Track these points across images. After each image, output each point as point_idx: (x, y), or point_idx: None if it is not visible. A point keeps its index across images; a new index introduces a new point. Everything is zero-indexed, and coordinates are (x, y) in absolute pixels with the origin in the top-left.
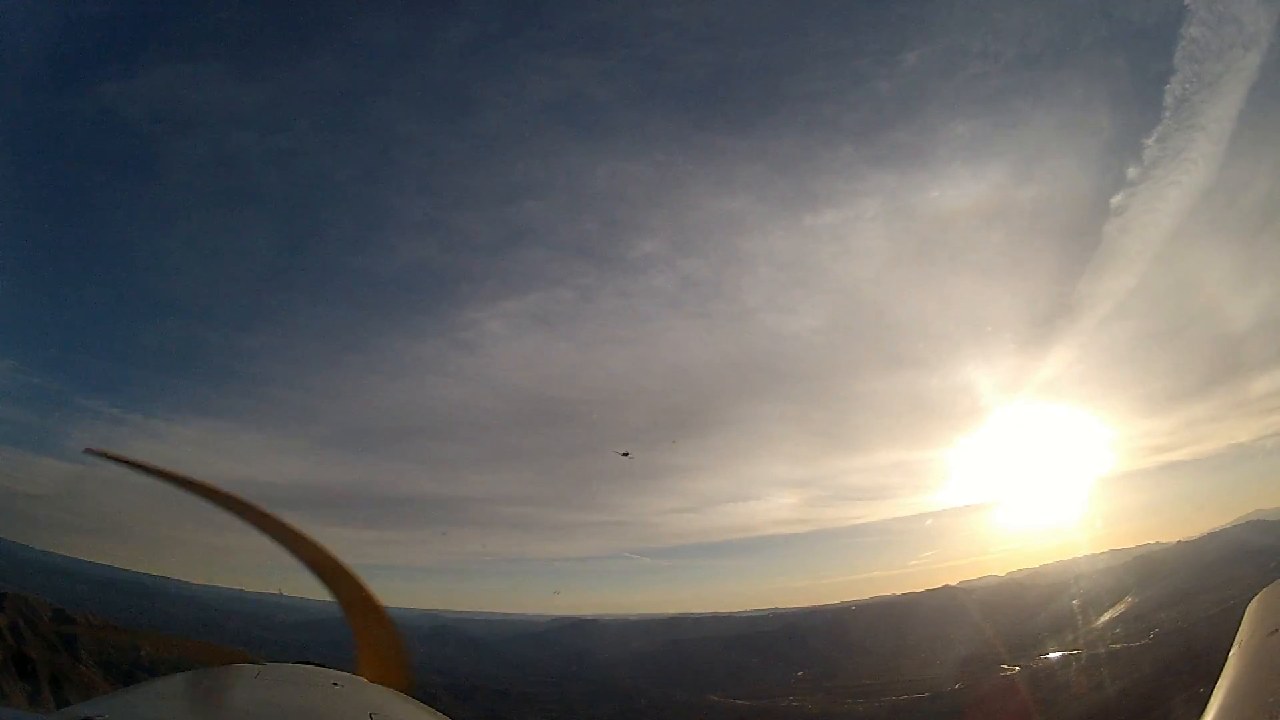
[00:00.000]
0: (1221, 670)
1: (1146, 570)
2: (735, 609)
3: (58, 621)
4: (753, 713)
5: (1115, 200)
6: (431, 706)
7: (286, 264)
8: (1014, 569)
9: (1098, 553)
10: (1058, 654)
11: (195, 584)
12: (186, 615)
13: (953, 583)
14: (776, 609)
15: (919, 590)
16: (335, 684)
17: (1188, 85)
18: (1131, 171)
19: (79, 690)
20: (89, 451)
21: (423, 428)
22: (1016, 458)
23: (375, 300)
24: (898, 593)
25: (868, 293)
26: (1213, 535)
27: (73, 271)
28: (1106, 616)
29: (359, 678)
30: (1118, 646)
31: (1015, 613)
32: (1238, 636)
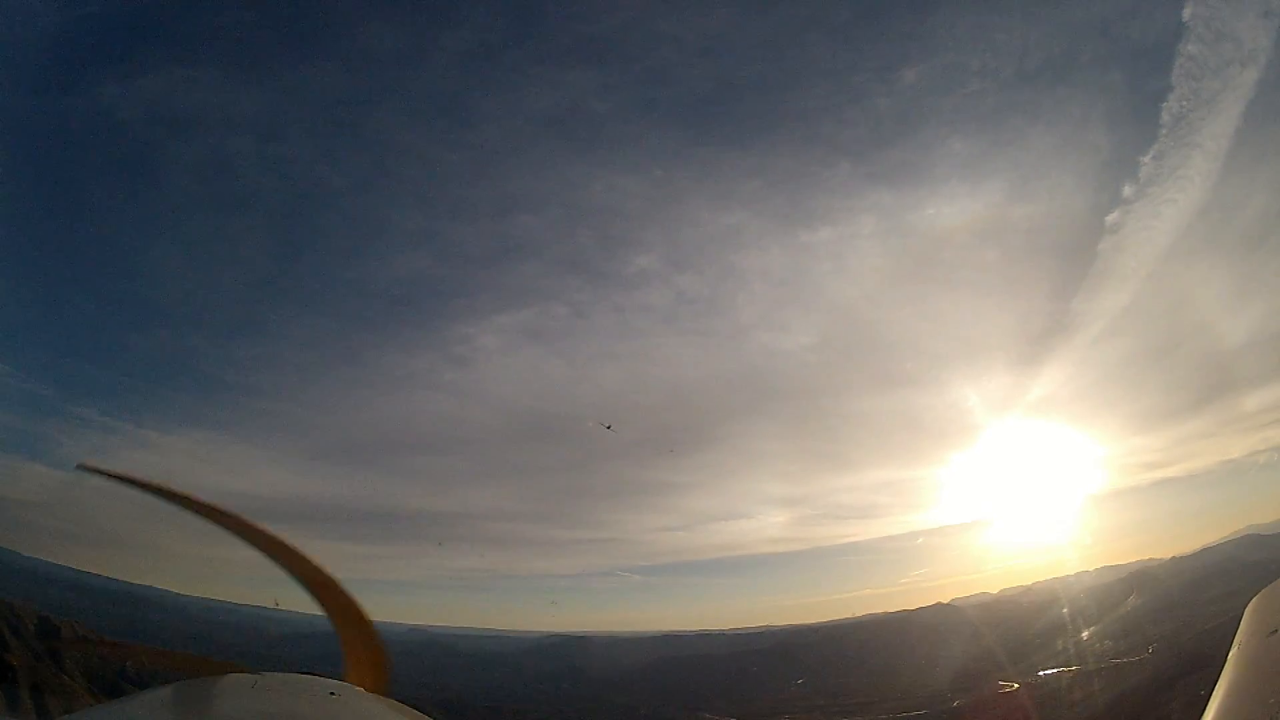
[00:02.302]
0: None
1: (1141, 586)
2: (727, 627)
3: (43, 629)
4: None
5: (1110, 218)
6: None
7: (279, 273)
8: (1007, 586)
9: (1091, 569)
10: (1055, 669)
11: (186, 595)
12: (176, 626)
13: (945, 600)
14: (768, 627)
15: (912, 608)
16: (332, 693)
17: (1185, 103)
18: (1127, 189)
19: (61, 699)
20: (81, 467)
21: (414, 442)
22: (1009, 476)
23: (368, 312)
24: (890, 610)
25: (862, 310)
26: (1206, 550)
27: (66, 276)
28: (1103, 631)
29: (356, 687)
30: (1116, 660)
31: (1010, 629)
32: (1237, 637)
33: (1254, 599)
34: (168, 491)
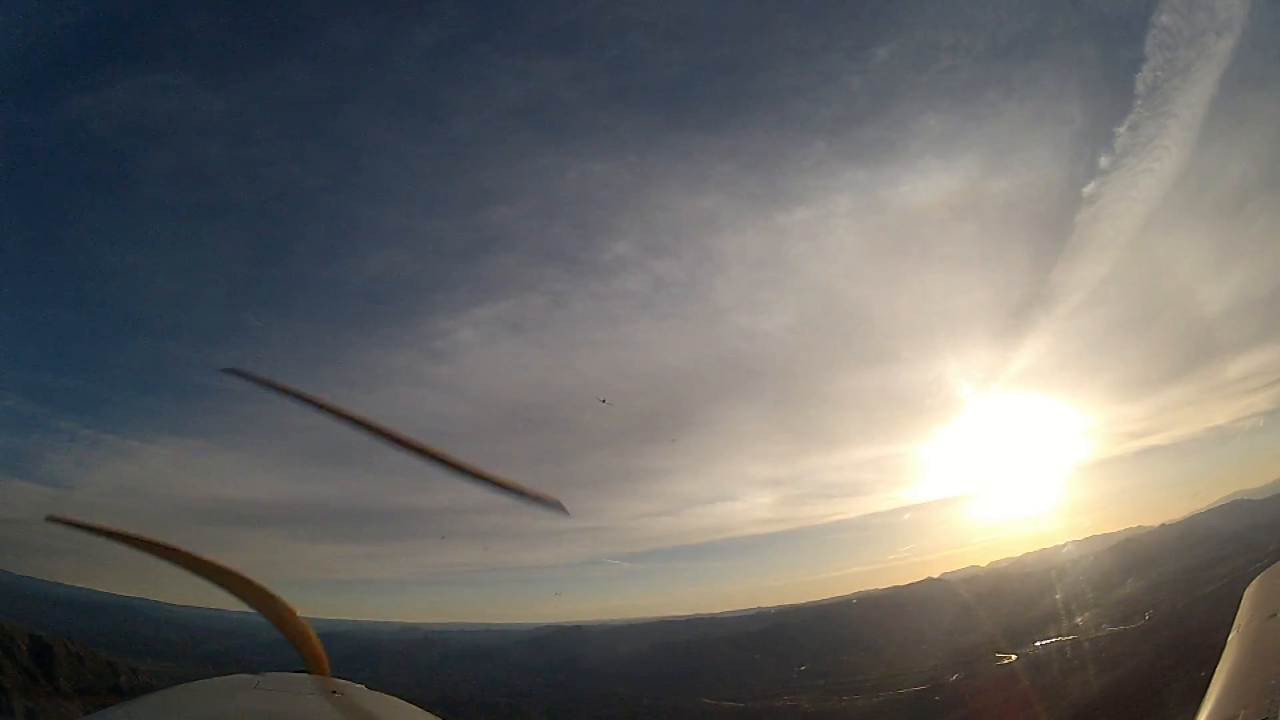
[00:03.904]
0: (1221, 654)
1: (1132, 554)
2: (718, 610)
3: (35, 648)
4: (749, 714)
5: (1087, 189)
6: None
7: (257, 276)
8: (996, 559)
9: (1080, 539)
10: (1053, 640)
11: (176, 605)
12: (168, 636)
13: (935, 575)
14: (760, 608)
15: (902, 584)
16: (335, 692)
17: (1159, 72)
18: (1103, 160)
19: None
20: (51, 519)
21: None
22: (993, 449)
23: (346, 311)
24: (880, 587)
25: (840, 289)
26: (1196, 517)
27: (43, 289)
28: (1096, 600)
29: (359, 685)
30: (1114, 629)
31: (1001, 602)
32: (1236, 621)
33: (1253, 582)
34: (135, 539)
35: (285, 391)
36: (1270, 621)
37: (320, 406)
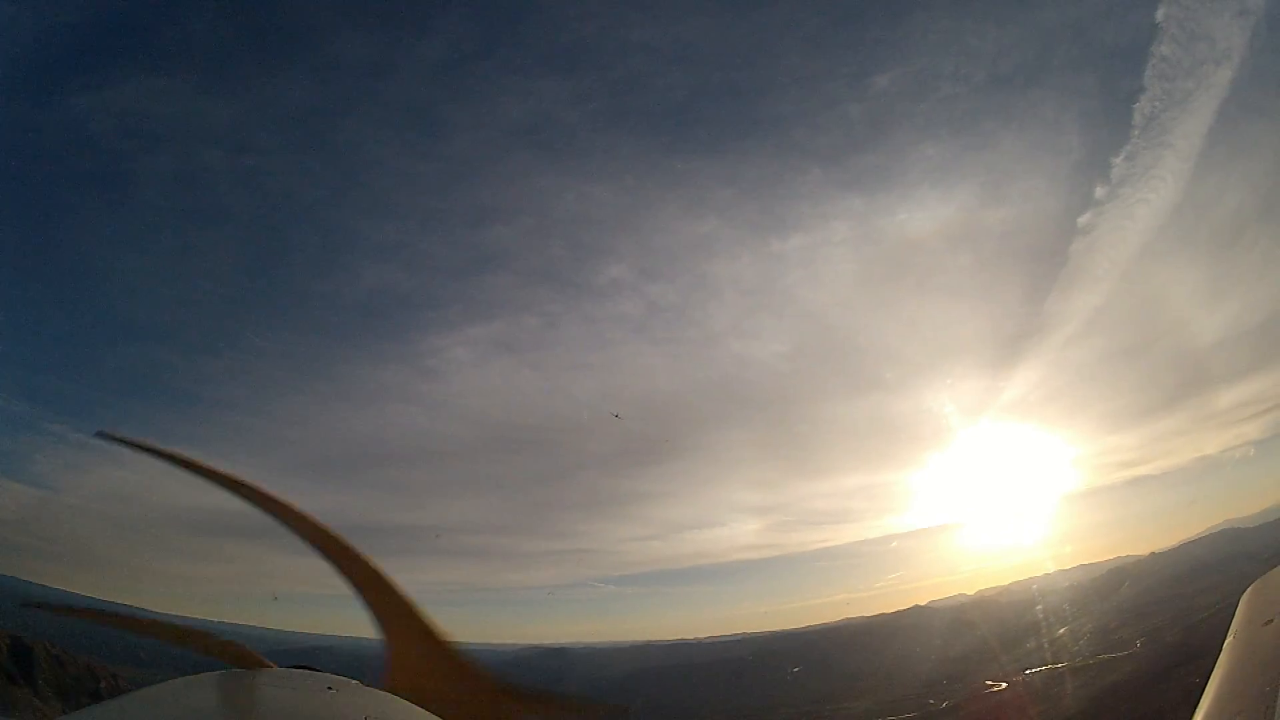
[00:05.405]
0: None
1: (1121, 582)
2: (704, 635)
3: (15, 650)
4: None
5: (1083, 219)
6: None
7: (251, 287)
8: (983, 587)
9: (1069, 568)
10: (1041, 668)
11: (164, 614)
12: (155, 645)
13: (921, 603)
14: (745, 634)
15: (889, 611)
16: (329, 688)
17: (1157, 103)
18: (1099, 191)
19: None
20: (100, 435)
21: (386, 455)
22: (983, 478)
23: (340, 326)
24: (867, 615)
25: (834, 317)
26: (1185, 546)
27: (37, 291)
28: (1085, 628)
29: (353, 681)
30: (1103, 657)
31: (990, 630)
32: (1232, 627)
33: (1249, 589)
34: (184, 461)
35: (163, 456)
36: (1266, 628)
37: (205, 474)
